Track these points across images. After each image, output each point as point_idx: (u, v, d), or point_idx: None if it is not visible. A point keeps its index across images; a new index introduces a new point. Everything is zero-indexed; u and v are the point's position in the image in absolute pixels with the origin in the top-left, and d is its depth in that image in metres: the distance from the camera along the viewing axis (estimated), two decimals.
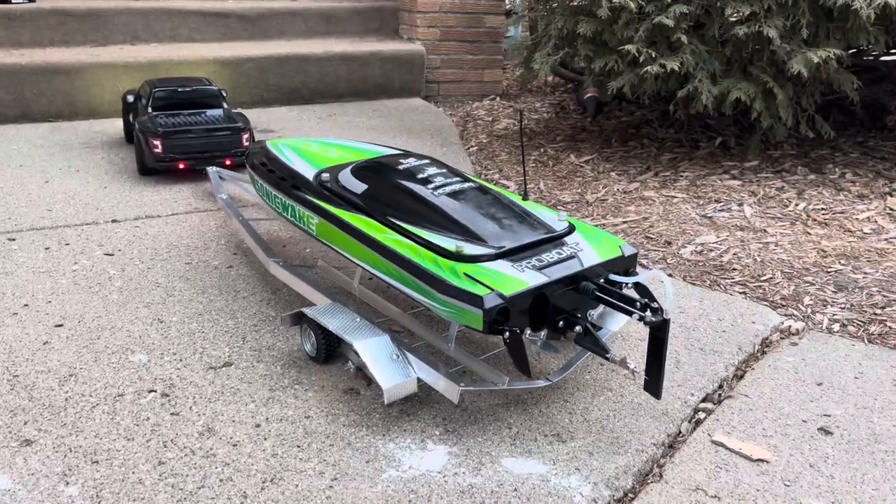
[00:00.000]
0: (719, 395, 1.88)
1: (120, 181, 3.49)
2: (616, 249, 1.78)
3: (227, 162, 3.52)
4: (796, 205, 3.13)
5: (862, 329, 2.20)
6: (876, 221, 2.93)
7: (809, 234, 2.86)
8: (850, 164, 3.66)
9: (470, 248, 1.69)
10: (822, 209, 3.06)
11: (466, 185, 1.98)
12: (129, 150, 3.95)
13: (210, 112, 3.70)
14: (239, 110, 3.92)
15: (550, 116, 4.97)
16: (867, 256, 2.64)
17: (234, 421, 1.74)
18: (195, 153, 3.47)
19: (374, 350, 1.73)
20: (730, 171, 3.63)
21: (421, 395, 1.80)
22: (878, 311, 2.28)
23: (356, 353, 1.74)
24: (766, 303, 2.37)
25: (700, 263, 2.67)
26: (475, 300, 1.56)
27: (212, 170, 3.31)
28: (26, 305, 2.28)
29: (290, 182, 2.20)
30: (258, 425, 1.73)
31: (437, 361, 1.81)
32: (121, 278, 2.48)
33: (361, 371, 1.89)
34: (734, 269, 2.61)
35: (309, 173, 2.22)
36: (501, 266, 1.65)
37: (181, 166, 3.46)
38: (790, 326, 2.22)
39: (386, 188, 2.00)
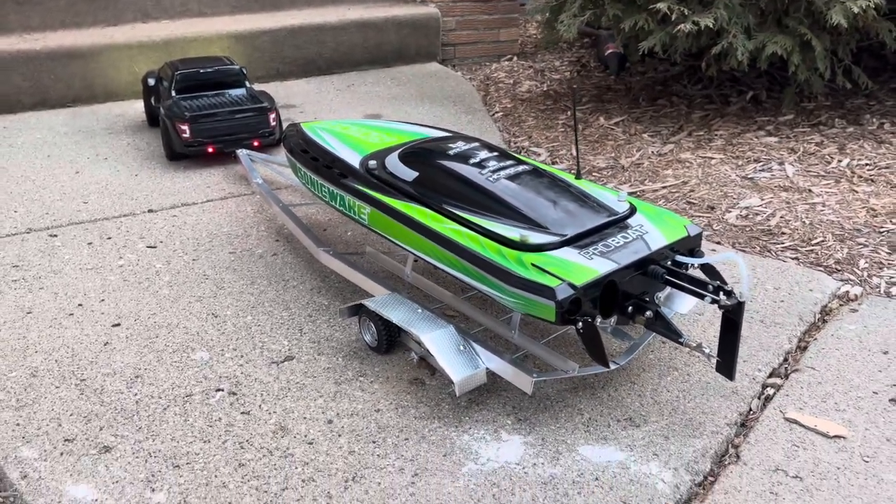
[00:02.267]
0: (786, 369, 1.88)
1: (150, 168, 3.46)
2: (681, 230, 1.75)
3: (255, 143, 3.49)
4: (839, 161, 3.08)
5: None
6: None
7: (856, 191, 2.82)
8: (888, 112, 3.58)
9: (534, 237, 1.67)
10: (867, 165, 3.01)
11: (521, 167, 1.95)
12: (154, 135, 3.92)
13: (233, 92, 3.65)
14: (262, 89, 3.87)
15: (573, 75, 4.88)
16: None
17: (305, 418, 1.75)
18: (223, 136, 3.44)
19: (440, 342, 1.73)
20: (764, 126, 3.56)
21: (487, 383, 1.80)
22: None
23: (422, 345, 1.74)
24: (820, 268, 2.35)
25: (747, 229, 2.65)
26: (546, 292, 1.54)
27: (243, 153, 3.29)
28: (80, 305, 2.29)
29: (335, 170, 2.18)
30: (330, 421, 1.74)
31: (503, 350, 1.80)
32: (168, 272, 2.48)
33: (425, 360, 1.90)
34: (783, 234, 2.58)
35: (354, 160, 2.19)
36: (568, 254, 1.64)
37: (210, 150, 3.43)
38: (848, 292, 2.21)
39: (438, 175, 1.97)
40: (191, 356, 2.01)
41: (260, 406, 1.80)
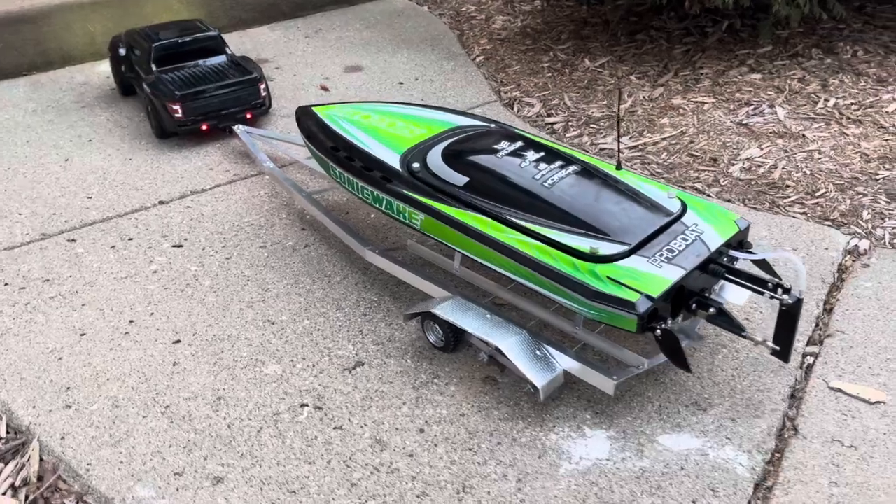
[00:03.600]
0: (819, 335, 2.07)
1: (142, 149, 3.38)
2: (732, 225, 1.88)
3: (248, 115, 3.43)
4: (826, 100, 3.23)
5: None
6: None
7: (847, 135, 2.98)
8: (858, 39, 3.72)
9: (603, 248, 1.78)
10: (853, 104, 3.17)
11: (571, 168, 2.02)
12: (131, 107, 3.78)
13: (214, 61, 3.54)
14: (243, 55, 3.75)
15: (543, 6, 4.84)
16: None
17: (397, 429, 1.87)
18: (216, 111, 3.36)
19: (518, 350, 1.85)
20: (746, 61, 3.67)
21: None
22: None
23: (500, 353, 1.86)
24: (828, 222, 2.53)
25: (752, 182, 2.80)
26: (627, 305, 1.67)
27: (241, 130, 3.24)
28: (132, 322, 2.32)
29: (377, 172, 2.21)
30: (422, 430, 1.86)
31: (567, 344, 1.94)
32: (206, 275, 2.51)
33: (494, 358, 2.02)
34: (787, 186, 2.74)
35: (392, 160, 2.22)
36: (637, 263, 1.75)
37: (204, 128, 3.36)
38: (857, 246, 2.40)
39: (490, 180, 2.03)
40: (263, 370, 2.09)
41: (349, 419, 1.91)
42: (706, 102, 3.39)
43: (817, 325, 2.11)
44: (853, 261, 2.35)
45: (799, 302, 1.71)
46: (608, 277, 1.72)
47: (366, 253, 2.36)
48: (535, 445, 1.79)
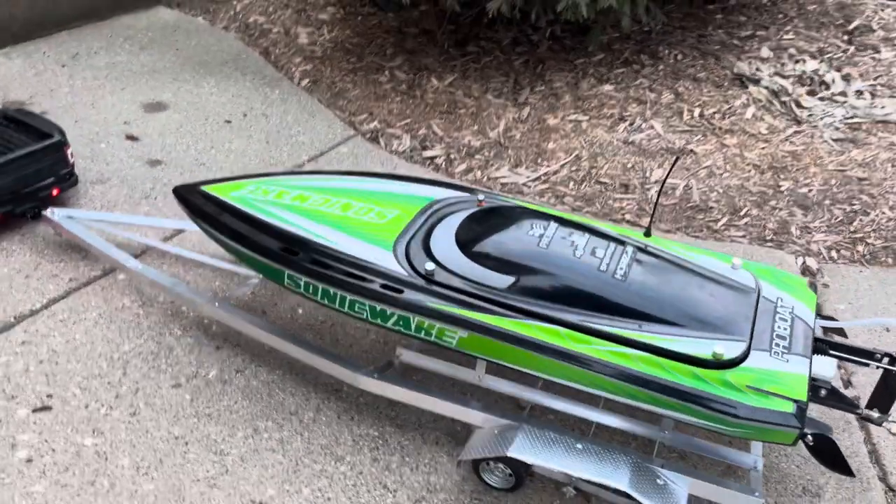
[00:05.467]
0: (844, 375, 2.06)
1: None
2: (809, 291, 1.75)
3: (55, 192, 2.57)
4: (690, 111, 3.30)
5: (853, 251, 2.53)
6: (763, 119, 3.24)
7: (727, 146, 3.08)
8: (672, 42, 3.87)
9: (722, 349, 1.53)
10: (715, 113, 3.28)
11: (629, 251, 1.73)
12: None
13: None
14: (20, 108, 2.80)
15: (341, 16, 4.37)
16: (791, 165, 2.95)
17: None
18: (8, 196, 2.44)
19: (644, 487, 1.53)
20: (587, 71, 3.60)
21: None
22: (851, 229, 2.62)
23: (623, 494, 1.54)
24: (769, 243, 2.57)
25: (678, 207, 2.75)
26: (785, 419, 1.45)
27: (59, 216, 2.38)
28: None
29: (374, 281, 1.70)
30: None
31: (692, 468, 1.68)
32: (117, 450, 1.78)
33: (579, 490, 1.69)
34: (711, 208, 2.74)
35: (381, 258, 1.73)
36: (764, 362, 1.54)
37: None
38: (808, 266, 2.46)
39: (545, 278, 1.66)
40: None
41: None
42: (581, 121, 3.28)
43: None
44: (812, 282, 2.40)
45: None
46: (748, 387, 1.49)
47: (359, 380, 1.83)
48: None
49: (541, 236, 1.75)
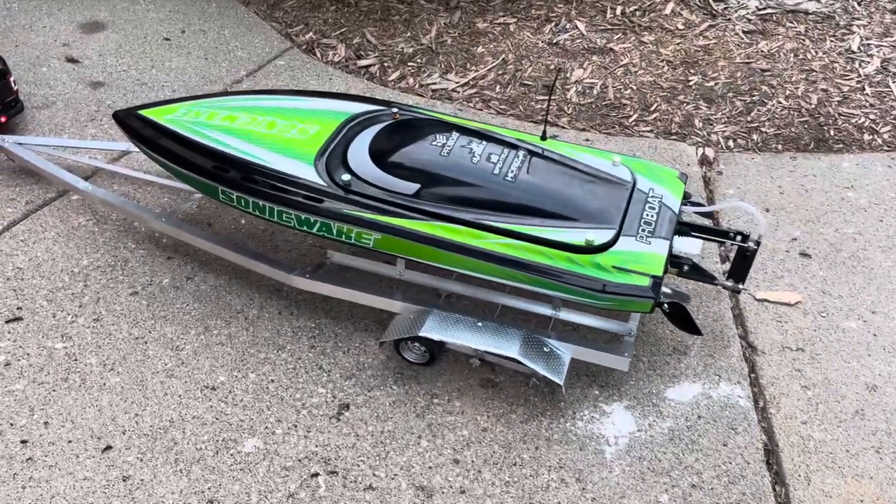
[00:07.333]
0: (722, 251, 2.34)
1: None
2: (678, 182, 2.00)
3: (2, 120, 2.71)
4: (612, 10, 3.44)
5: (748, 140, 2.77)
6: (681, 14, 3.40)
7: (645, 43, 3.25)
8: None
9: (595, 236, 1.79)
10: (636, 10, 3.43)
11: (521, 155, 1.96)
12: None
13: None
14: None
15: None
16: (701, 59, 3.15)
17: (430, 468, 1.79)
18: None
19: (530, 354, 1.83)
20: None
21: None
22: (748, 119, 2.85)
23: (516, 361, 1.83)
24: (673, 137, 2.80)
25: (593, 106, 2.96)
26: (643, 291, 1.73)
27: (9, 143, 2.55)
28: (25, 442, 1.82)
29: (298, 192, 1.93)
30: (456, 461, 1.80)
31: (572, 335, 1.97)
32: (85, 351, 2.04)
33: (483, 361, 1.99)
34: (625, 105, 2.95)
35: (303, 172, 1.95)
36: (628, 244, 1.81)
37: None
38: (706, 155, 2.71)
39: (448, 184, 1.89)
40: (241, 450, 1.82)
41: (375, 474, 1.77)
42: (510, 24, 3.42)
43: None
44: (708, 171, 2.66)
45: (758, 245, 1.91)
46: (613, 267, 1.76)
47: (293, 280, 2.09)
48: (570, 439, 1.85)
49: (443, 146, 1.97)
